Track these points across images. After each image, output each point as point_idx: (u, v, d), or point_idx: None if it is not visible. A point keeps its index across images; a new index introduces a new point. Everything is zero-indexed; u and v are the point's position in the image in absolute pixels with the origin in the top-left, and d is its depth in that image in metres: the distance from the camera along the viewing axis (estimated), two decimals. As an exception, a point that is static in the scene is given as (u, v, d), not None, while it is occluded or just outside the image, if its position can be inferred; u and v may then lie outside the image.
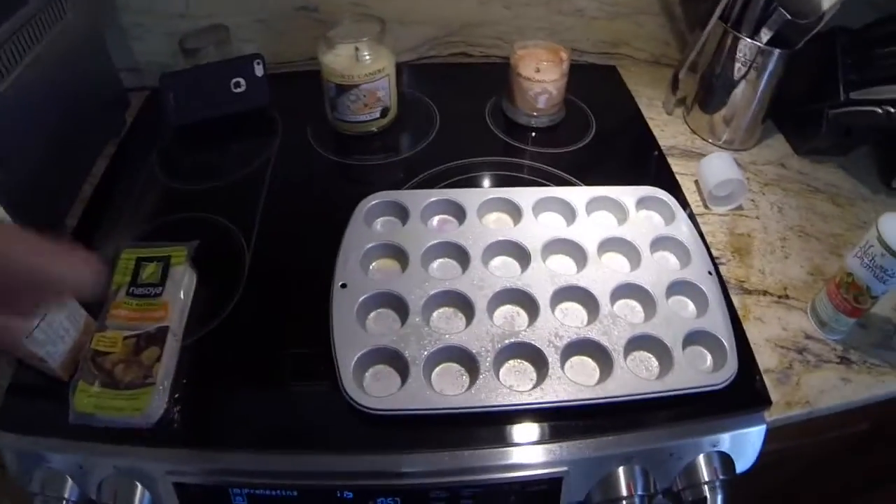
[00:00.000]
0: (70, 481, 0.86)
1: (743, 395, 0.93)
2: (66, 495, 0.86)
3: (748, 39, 1.24)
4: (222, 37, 1.42)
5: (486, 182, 1.25)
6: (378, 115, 1.32)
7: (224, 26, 1.44)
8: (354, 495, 0.85)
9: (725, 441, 0.91)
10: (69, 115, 1.21)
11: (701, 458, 0.91)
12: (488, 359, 0.90)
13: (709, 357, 0.96)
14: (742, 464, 0.94)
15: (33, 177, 1.09)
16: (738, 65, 1.27)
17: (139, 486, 0.86)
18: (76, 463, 0.85)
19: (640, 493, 0.88)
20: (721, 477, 0.90)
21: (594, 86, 1.50)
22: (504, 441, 0.87)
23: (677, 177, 1.27)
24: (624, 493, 0.88)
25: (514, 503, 0.88)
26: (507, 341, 0.92)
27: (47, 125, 1.14)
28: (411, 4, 1.49)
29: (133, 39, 1.48)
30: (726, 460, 0.92)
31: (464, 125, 1.40)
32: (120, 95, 1.46)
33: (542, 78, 1.30)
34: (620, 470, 0.89)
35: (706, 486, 0.90)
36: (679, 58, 1.48)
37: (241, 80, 1.34)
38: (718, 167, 1.20)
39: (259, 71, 1.35)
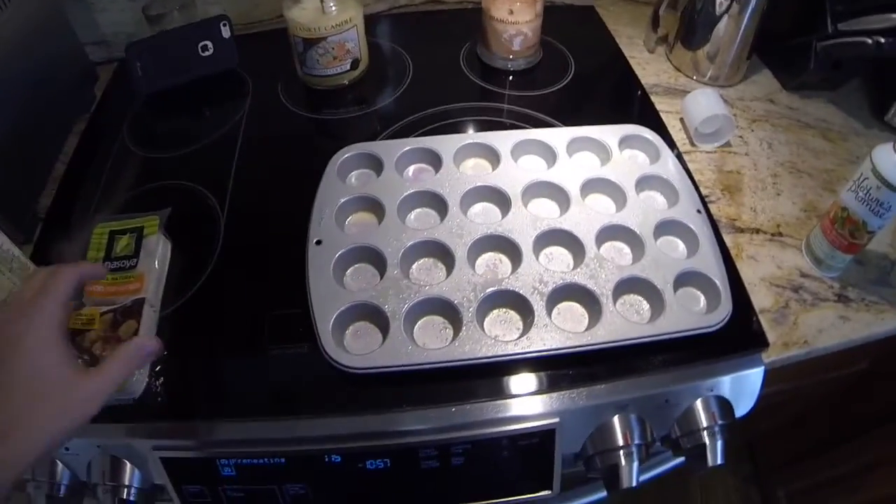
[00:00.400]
0: (59, 464, 0.85)
1: (739, 336, 0.90)
2: (57, 479, 0.85)
3: (729, -28, 1.19)
4: (187, 1, 1.38)
5: (464, 129, 1.21)
6: (348, 67, 1.28)
7: None
8: (343, 459, 0.82)
9: (723, 385, 0.89)
10: (36, 95, 1.18)
11: (699, 404, 0.89)
12: (471, 309, 0.87)
13: (702, 298, 0.93)
14: (741, 407, 0.91)
15: (3, 159, 1.07)
16: (720, -1, 1.23)
17: (128, 464, 0.84)
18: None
19: (636, 441, 0.86)
20: (720, 422, 0.88)
21: (572, 27, 1.47)
22: (492, 394, 0.84)
23: (662, 115, 1.24)
24: (620, 442, 0.86)
25: (507, 458, 0.85)
26: (489, 290, 0.89)
27: (14, 106, 1.11)
28: None
29: (97, 12, 1.43)
30: (725, 405, 0.89)
31: (438, 73, 1.37)
32: (87, 70, 1.42)
33: (515, 20, 1.25)
34: (615, 419, 0.86)
35: (705, 432, 0.88)
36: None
37: (209, 43, 1.31)
38: (704, 103, 1.16)
39: (226, 32, 1.32)
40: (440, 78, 1.36)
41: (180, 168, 1.16)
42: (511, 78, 1.34)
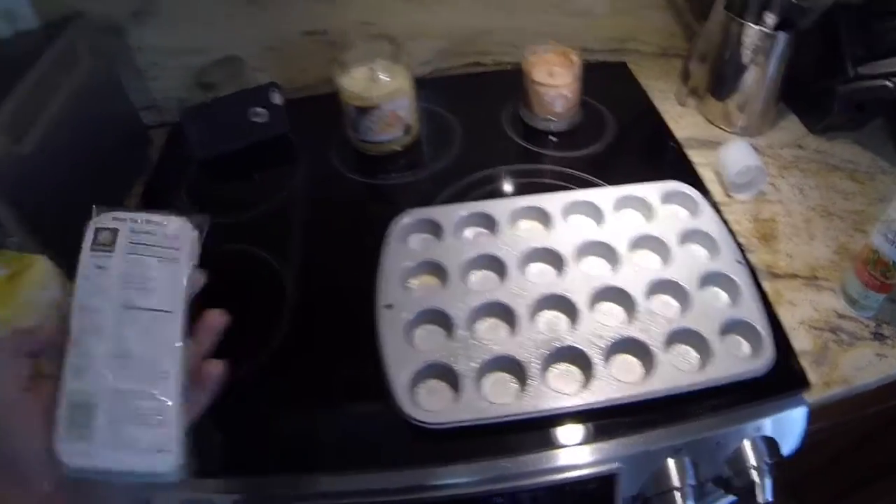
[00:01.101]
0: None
1: (782, 379, 0.95)
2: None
3: (754, 26, 1.25)
4: (237, 68, 1.44)
5: (513, 190, 1.27)
6: (400, 133, 1.33)
7: (238, 58, 1.46)
8: (417, 510, 0.88)
9: (769, 426, 0.93)
10: (94, 161, 1.23)
11: (747, 444, 0.93)
12: (535, 365, 0.93)
13: (745, 345, 0.98)
14: (787, 446, 0.96)
15: (66, 226, 1.08)
16: (746, 51, 1.28)
17: (208, 520, 0.88)
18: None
19: (690, 483, 0.90)
20: (767, 461, 0.92)
21: (606, 83, 1.51)
22: (557, 444, 0.90)
23: (697, 167, 1.29)
24: (676, 483, 0.90)
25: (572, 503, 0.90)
26: (552, 346, 0.95)
27: (74, 174, 1.16)
28: (418, 19, 1.51)
29: (150, 79, 1.50)
30: (772, 444, 0.94)
31: (484, 135, 1.42)
32: (141, 134, 1.48)
33: (556, 82, 1.31)
34: (670, 462, 0.91)
35: (754, 471, 0.92)
36: (686, 48, 1.51)
37: (260, 110, 1.37)
38: (737, 155, 1.22)
39: (276, 99, 1.38)
40: (486, 140, 1.41)
41: (241, 232, 1.21)
42: (553, 138, 1.40)
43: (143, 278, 0.66)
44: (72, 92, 1.17)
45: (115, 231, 0.68)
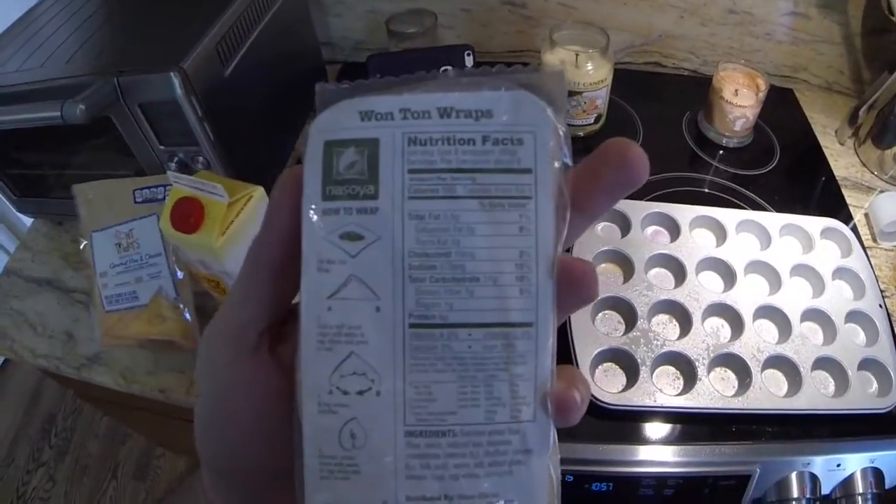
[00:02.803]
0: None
1: None
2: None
3: (929, 86, 1.30)
4: (429, 23, 1.47)
5: (683, 196, 1.35)
6: (592, 121, 1.41)
7: (431, 12, 1.50)
8: (574, 479, 0.99)
9: (881, 458, 1.03)
10: (278, 91, 1.30)
11: (858, 473, 1.03)
12: (702, 366, 1.03)
13: (875, 383, 1.07)
14: (892, 480, 1.06)
15: (246, 153, 1.18)
16: (917, 109, 1.34)
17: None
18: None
19: (808, 496, 1.01)
20: (874, 490, 1.03)
21: (774, 108, 1.55)
22: (707, 439, 1.01)
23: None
24: (796, 494, 1.01)
25: (707, 494, 1.01)
26: (720, 351, 1.05)
27: (260, 102, 1.23)
28: (617, 11, 1.57)
29: (332, 16, 1.57)
30: (879, 475, 1.04)
31: (662, 135, 1.50)
32: (320, 69, 1.54)
33: (742, 103, 1.38)
34: (794, 474, 1.02)
35: (860, 497, 1.03)
36: (851, 87, 1.57)
37: (450, 69, 1.38)
38: (891, 206, 1.30)
39: (468, 62, 1.41)
40: (664, 141, 1.48)
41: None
42: (722, 152, 1.47)
43: (457, 253, 0.32)
44: (271, 22, 1.24)
45: (372, 146, 0.33)
